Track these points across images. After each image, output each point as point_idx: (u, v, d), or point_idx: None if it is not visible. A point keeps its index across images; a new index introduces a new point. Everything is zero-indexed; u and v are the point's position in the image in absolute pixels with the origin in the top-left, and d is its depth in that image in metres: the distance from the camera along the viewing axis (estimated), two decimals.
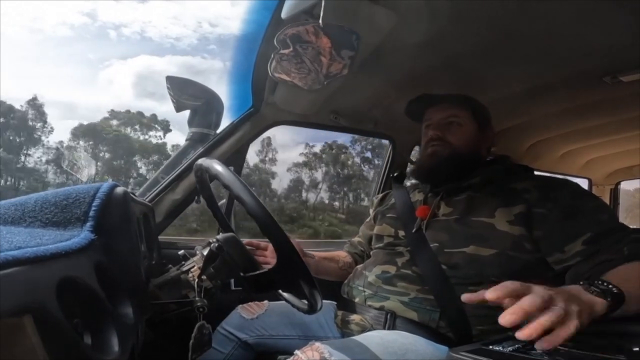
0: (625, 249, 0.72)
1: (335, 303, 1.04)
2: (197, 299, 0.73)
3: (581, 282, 0.57)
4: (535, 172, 1.02)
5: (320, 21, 0.74)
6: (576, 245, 0.78)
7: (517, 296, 0.51)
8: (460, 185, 0.96)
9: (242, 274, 0.72)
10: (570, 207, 0.82)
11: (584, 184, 2.45)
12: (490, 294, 0.51)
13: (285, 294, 0.76)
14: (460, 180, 0.97)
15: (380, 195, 1.24)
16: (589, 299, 0.55)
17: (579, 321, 0.50)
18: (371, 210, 1.25)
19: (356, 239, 1.28)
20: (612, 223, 0.80)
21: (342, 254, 1.25)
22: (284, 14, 0.84)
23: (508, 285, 0.51)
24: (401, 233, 1.00)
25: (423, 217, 0.97)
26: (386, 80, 1.17)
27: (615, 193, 2.57)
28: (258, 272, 0.70)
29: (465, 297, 0.56)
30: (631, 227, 0.81)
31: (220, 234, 0.80)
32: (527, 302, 0.49)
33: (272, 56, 0.77)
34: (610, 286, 0.57)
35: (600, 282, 0.58)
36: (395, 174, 1.23)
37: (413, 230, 0.96)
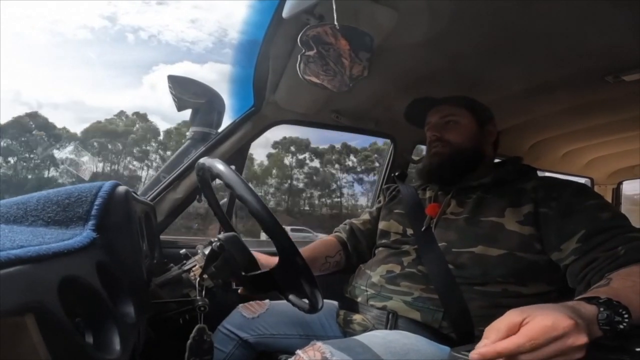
0: (621, 249, 0.71)
1: (337, 302, 1.04)
2: (198, 298, 0.73)
3: (601, 308, 0.53)
4: (537, 172, 1.02)
5: (336, 22, 0.73)
6: (572, 243, 0.77)
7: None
8: (471, 185, 0.96)
9: (243, 273, 0.72)
10: (569, 205, 0.81)
11: (586, 183, 2.45)
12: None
13: (286, 294, 0.76)
14: (470, 179, 0.97)
15: (390, 187, 1.21)
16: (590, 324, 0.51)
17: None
18: (380, 201, 1.22)
19: (364, 226, 1.20)
20: (611, 222, 0.77)
21: (327, 251, 1.13)
22: (285, 14, 0.84)
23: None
24: (409, 231, 1.00)
25: (433, 215, 0.96)
26: (387, 79, 1.17)
27: (617, 193, 2.57)
28: (259, 271, 0.70)
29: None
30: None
31: (222, 233, 0.80)
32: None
33: (299, 58, 0.76)
34: (621, 310, 0.52)
35: (617, 309, 0.53)
36: (397, 173, 1.22)
37: (422, 229, 0.95)
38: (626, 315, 0.52)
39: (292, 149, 36.54)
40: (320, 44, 0.76)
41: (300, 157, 36.63)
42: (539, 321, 0.47)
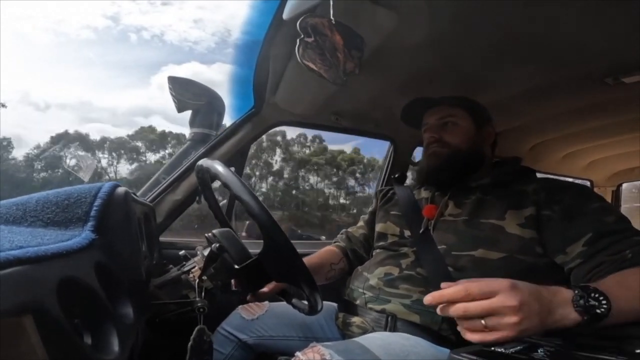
0: (628, 252, 0.70)
1: (336, 304, 1.04)
2: (197, 299, 0.73)
3: (575, 291, 0.57)
4: (537, 174, 1.02)
5: (332, 17, 0.74)
6: (577, 247, 0.77)
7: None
8: (469, 186, 0.95)
9: (236, 266, 0.72)
10: (574, 208, 0.81)
11: (585, 185, 2.45)
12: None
13: (285, 296, 0.76)
14: (468, 180, 0.96)
15: (384, 190, 1.21)
16: (555, 302, 0.56)
17: (516, 330, 0.52)
18: (373, 205, 1.23)
19: (357, 232, 1.22)
20: (617, 225, 0.77)
21: (331, 258, 1.14)
22: (285, 15, 0.84)
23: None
24: (407, 233, 0.99)
25: (430, 216, 0.95)
26: (387, 81, 1.17)
27: (617, 195, 2.57)
28: (249, 260, 0.71)
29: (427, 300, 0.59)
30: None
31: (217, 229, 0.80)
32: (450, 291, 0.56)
33: (298, 42, 0.76)
34: (597, 295, 0.56)
35: (592, 293, 0.57)
36: (397, 175, 1.22)
37: (420, 231, 0.95)
38: (604, 301, 0.55)
39: None
40: (317, 34, 0.77)
41: None
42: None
